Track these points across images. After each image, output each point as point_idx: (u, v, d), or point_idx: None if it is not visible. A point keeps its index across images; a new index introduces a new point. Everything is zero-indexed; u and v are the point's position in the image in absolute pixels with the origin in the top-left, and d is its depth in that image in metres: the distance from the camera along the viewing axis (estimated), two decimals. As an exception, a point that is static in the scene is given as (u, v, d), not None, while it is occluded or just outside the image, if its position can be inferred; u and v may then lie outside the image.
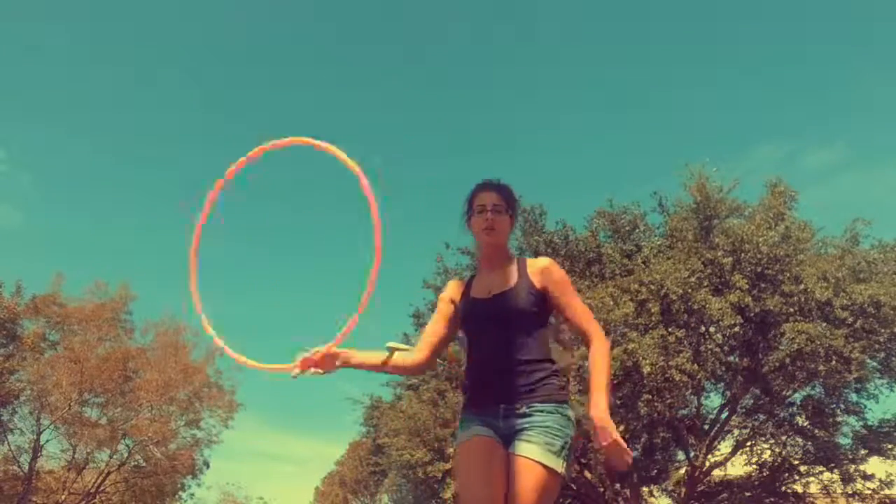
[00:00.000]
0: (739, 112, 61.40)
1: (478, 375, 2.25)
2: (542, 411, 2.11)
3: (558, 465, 2.04)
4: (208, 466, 28.10)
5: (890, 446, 14.07)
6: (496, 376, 2.18)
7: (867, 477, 14.46)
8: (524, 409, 2.11)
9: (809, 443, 14.33)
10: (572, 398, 2.32)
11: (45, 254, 55.30)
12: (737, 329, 12.74)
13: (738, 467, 15.86)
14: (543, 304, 2.26)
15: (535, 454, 2.02)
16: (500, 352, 2.19)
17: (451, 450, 15.08)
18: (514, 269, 2.31)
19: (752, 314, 12.74)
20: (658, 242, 14.74)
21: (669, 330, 12.71)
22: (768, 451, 15.41)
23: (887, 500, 14.41)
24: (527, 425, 2.08)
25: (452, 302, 2.40)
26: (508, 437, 2.11)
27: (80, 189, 63.15)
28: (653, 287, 12.75)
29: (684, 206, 14.14)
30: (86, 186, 63.27)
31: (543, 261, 2.33)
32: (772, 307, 12.40)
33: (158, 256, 64.82)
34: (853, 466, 14.43)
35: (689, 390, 13.95)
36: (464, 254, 15.32)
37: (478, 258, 2.48)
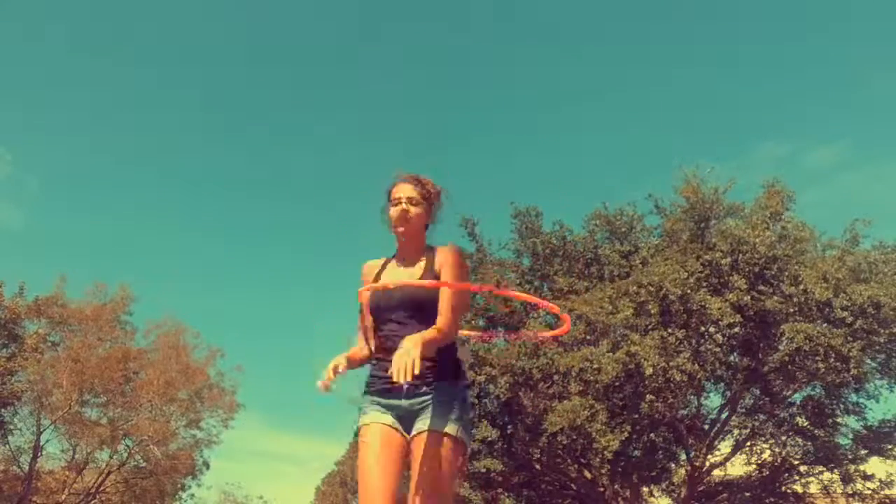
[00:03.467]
0: (741, 111, 61.40)
1: (381, 360, 2.31)
2: (438, 389, 2.22)
3: (454, 430, 2.16)
4: (208, 467, 28.15)
5: (890, 446, 14.07)
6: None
7: (867, 477, 14.46)
8: (426, 390, 2.21)
9: (809, 443, 14.33)
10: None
11: (48, 254, 55.40)
12: (737, 329, 12.75)
13: (738, 467, 15.87)
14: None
15: (435, 425, 2.15)
16: (401, 337, 2.18)
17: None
18: (424, 259, 2.37)
19: (752, 313, 12.74)
20: (655, 243, 14.77)
21: (669, 331, 12.73)
22: (768, 452, 15.40)
23: (887, 500, 14.41)
24: (428, 403, 2.19)
25: (366, 283, 2.44)
26: (410, 416, 2.22)
27: (81, 190, 63.24)
28: (651, 289, 12.77)
29: (679, 208, 14.18)
30: (87, 187, 63.37)
31: (445, 247, 2.39)
32: (770, 307, 12.41)
33: (160, 257, 64.91)
34: (853, 466, 14.43)
35: (690, 390, 13.96)
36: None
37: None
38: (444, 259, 2.34)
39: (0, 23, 50.83)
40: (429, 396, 2.20)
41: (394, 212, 2.38)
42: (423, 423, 2.17)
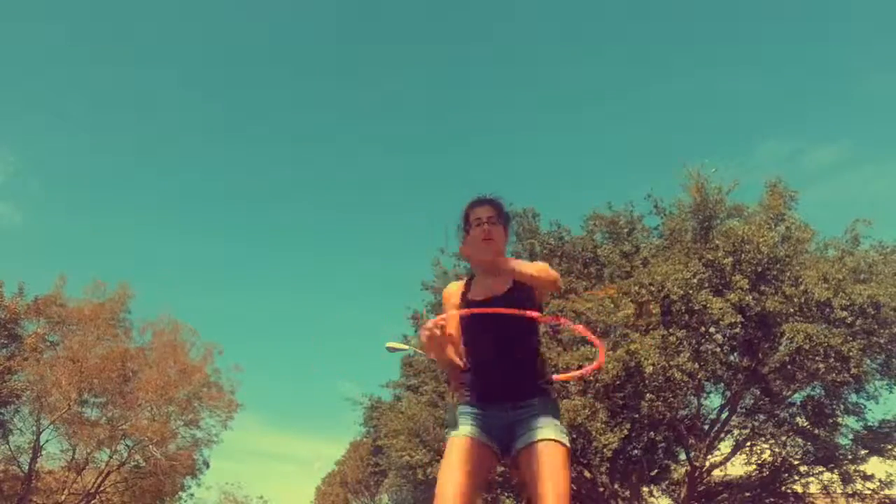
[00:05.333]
0: (742, 110, 61.42)
1: (482, 374, 2.39)
2: (543, 402, 2.33)
3: (567, 441, 2.28)
4: (208, 466, 28.15)
5: (890, 446, 14.04)
6: (500, 375, 2.35)
7: (867, 477, 14.44)
8: (528, 402, 2.31)
9: (809, 443, 14.31)
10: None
11: (48, 254, 55.45)
12: (738, 330, 12.73)
13: (738, 467, 15.84)
14: (535, 306, 2.40)
15: (553, 434, 2.24)
16: (501, 351, 2.34)
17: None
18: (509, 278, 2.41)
19: (753, 314, 12.72)
20: (656, 243, 14.74)
21: (670, 330, 12.71)
22: (768, 452, 15.38)
23: (887, 501, 14.39)
24: (535, 413, 2.29)
25: (454, 305, 2.51)
26: (512, 428, 2.29)
27: (82, 190, 63.26)
28: (653, 289, 12.75)
29: (683, 207, 14.14)
30: (88, 187, 63.41)
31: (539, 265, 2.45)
32: (771, 308, 12.39)
33: (159, 257, 64.90)
34: (853, 467, 14.41)
35: (690, 390, 13.94)
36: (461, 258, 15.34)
37: (475, 268, 2.59)
38: (538, 272, 2.35)
39: (1, 24, 50.82)
40: (533, 409, 2.29)
41: (478, 232, 2.45)
42: (542, 432, 2.24)
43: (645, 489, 16.22)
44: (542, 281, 2.30)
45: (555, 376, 2.56)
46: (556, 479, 2.15)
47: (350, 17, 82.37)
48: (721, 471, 15.73)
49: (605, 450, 12.47)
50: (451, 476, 2.20)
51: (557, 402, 2.41)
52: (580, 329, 2.68)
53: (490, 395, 2.35)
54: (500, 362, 2.35)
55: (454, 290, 2.56)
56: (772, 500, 15.54)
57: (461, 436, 2.30)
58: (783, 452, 15.02)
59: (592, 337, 2.70)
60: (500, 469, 14.98)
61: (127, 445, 25.09)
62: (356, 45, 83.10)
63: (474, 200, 2.54)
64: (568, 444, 2.26)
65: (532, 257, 15.67)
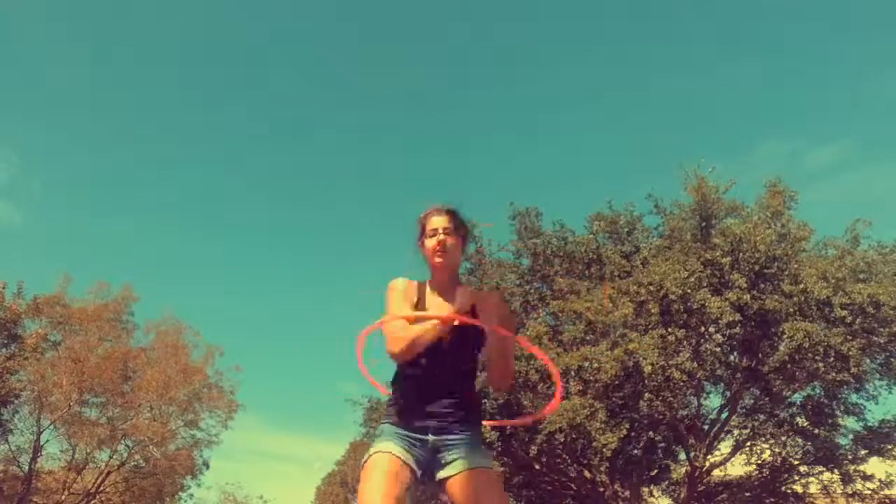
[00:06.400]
0: (743, 110, 61.41)
1: (414, 392, 2.32)
2: (474, 430, 2.31)
3: (494, 465, 2.34)
4: (208, 467, 28.14)
5: (890, 447, 14.03)
6: (434, 397, 2.28)
7: (867, 477, 14.43)
8: (459, 429, 2.27)
9: (809, 443, 14.30)
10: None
11: (49, 254, 55.49)
12: (737, 329, 12.73)
13: (738, 467, 15.85)
14: (481, 336, 2.34)
15: (486, 462, 2.24)
16: (440, 374, 2.28)
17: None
18: (460, 295, 2.33)
19: (752, 312, 12.73)
20: (656, 243, 14.74)
21: (669, 330, 12.71)
22: (768, 452, 15.38)
23: (887, 501, 14.38)
24: (463, 441, 2.25)
25: (411, 302, 2.42)
26: (433, 454, 2.25)
27: (83, 190, 63.26)
28: (652, 288, 12.75)
29: (683, 207, 14.15)
30: (89, 187, 63.43)
31: (491, 293, 2.45)
32: (770, 307, 12.39)
33: (160, 257, 64.89)
34: (853, 467, 14.39)
35: (690, 390, 13.94)
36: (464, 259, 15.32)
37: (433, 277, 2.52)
38: (492, 307, 2.32)
39: (3, 26, 50.83)
40: (462, 437, 2.26)
41: (430, 242, 2.41)
42: (473, 461, 2.21)
43: (645, 489, 16.22)
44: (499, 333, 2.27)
45: (486, 422, 2.59)
46: (500, 500, 2.15)
47: (350, 16, 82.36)
48: (721, 471, 15.73)
49: (604, 450, 12.48)
50: (375, 496, 2.09)
51: (482, 434, 2.41)
52: (543, 357, 2.62)
53: (414, 416, 2.27)
54: (433, 384, 2.28)
55: (406, 287, 2.43)
56: (772, 500, 15.54)
57: (385, 452, 2.21)
58: (783, 452, 15.02)
59: (553, 369, 2.65)
60: (499, 469, 15.03)
61: (127, 445, 25.10)
62: (357, 45, 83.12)
63: (430, 210, 2.47)
64: (492, 467, 2.28)
65: (534, 257, 15.68)
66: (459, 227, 2.45)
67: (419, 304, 2.40)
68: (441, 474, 2.23)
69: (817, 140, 62.21)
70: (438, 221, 2.42)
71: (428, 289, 2.46)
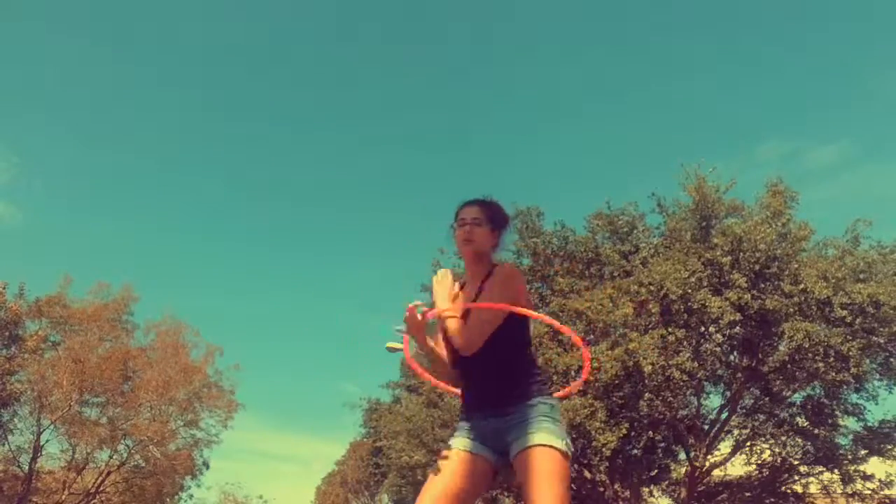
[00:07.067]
0: (743, 110, 61.43)
1: (463, 384, 2.43)
2: (529, 406, 2.25)
3: (563, 444, 2.16)
4: (208, 467, 28.16)
5: (890, 447, 14.03)
6: (477, 384, 2.36)
7: (867, 477, 14.42)
8: (512, 409, 2.26)
9: (809, 443, 14.30)
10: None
11: (50, 254, 55.51)
12: (737, 329, 12.73)
13: (738, 467, 15.84)
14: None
15: (545, 440, 2.15)
16: (473, 362, 2.31)
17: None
18: (481, 281, 2.43)
19: (752, 312, 12.73)
20: (656, 242, 14.74)
21: (669, 330, 12.71)
22: (768, 452, 15.38)
23: (887, 501, 14.38)
24: (524, 418, 2.22)
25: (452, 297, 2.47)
26: (503, 435, 2.25)
27: (84, 190, 63.28)
28: (652, 288, 12.75)
29: (682, 207, 14.15)
30: (89, 187, 63.44)
31: (500, 265, 2.45)
32: (771, 307, 12.39)
33: (160, 257, 64.91)
34: (853, 467, 14.38)
35: (690, 390, 13.94)
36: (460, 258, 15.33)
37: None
38: (494, 278, 2.37)
39: (4, 25, 50.86)
40: (517, 416, 2.24)
41: (459, 232, 2.46)
42: (525, 440, 2.18)
43: (645, 489, 16.21)
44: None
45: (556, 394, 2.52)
46: (544, 487, 2.07)
47: (350, 16, 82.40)
48: (721, 471, 15.72)
49: (604, 449, 12.47)
50: (422, 496, 2.25)
51: (552, 406, 2.28)
52: (566, 330, 2.66)
53: (472, 404, 2.38)
54: (476, 369, 2.34)
55: (447, 279, 2.49)
56: (772, 500, 15.53)
57: (453, 449, 2.32)
58: (783, 452, 15.01)
59: (578, 339, 2.66)
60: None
61: (127, 445, 25.11)
62: (357, 45, 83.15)
63: (465, 201, 2.54)
64: (563, 448, 2.15)
65: (535, 256, 15.68)
66: (492, 217, 2.47)
67: (457, 297, 2.46)
68: (511, 456, 2.26)
69: (817, 140, 62.24)
70: (467, 212, 2.47)
71: (464, 280, 2.54)
